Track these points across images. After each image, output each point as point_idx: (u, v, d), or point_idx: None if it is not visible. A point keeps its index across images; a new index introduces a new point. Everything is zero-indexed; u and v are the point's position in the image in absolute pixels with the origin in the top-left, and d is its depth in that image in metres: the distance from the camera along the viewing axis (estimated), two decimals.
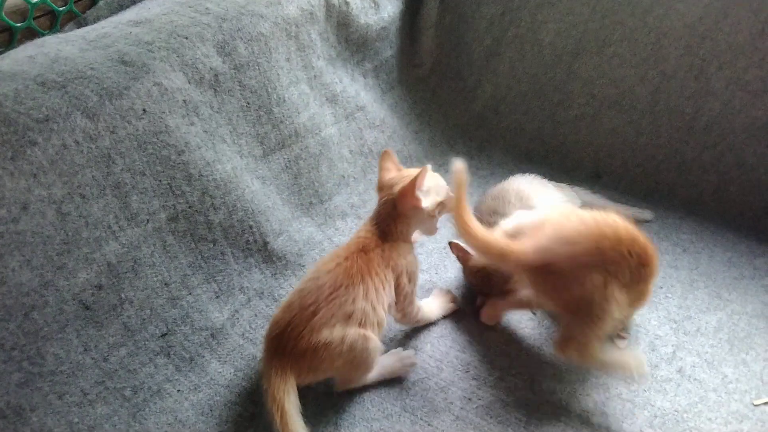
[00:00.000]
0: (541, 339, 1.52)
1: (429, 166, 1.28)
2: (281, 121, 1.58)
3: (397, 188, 1.32)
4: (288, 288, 1.60)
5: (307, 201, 1.71)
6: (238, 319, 1.49)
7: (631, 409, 1.36)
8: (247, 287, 1.52)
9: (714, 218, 1.92)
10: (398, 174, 1.38)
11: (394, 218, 1.33)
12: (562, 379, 1.42)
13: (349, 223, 1.82)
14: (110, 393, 1.25)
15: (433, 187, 1.34)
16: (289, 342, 1.20)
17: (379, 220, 1.35)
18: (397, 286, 1.35)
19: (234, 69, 1.45)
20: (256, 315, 1.52)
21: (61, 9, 1.54)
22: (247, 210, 1.49)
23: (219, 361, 1.42)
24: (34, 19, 1.49)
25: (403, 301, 1.38)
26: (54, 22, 1.53)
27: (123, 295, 1.27)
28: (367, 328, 1.25)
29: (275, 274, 1.59)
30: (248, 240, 1.51)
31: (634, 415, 1.35)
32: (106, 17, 1.51)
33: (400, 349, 1.44)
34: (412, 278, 1.38)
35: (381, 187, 1.38)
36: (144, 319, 1.31)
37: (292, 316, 1.22)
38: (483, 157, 2.18)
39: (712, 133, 1.93)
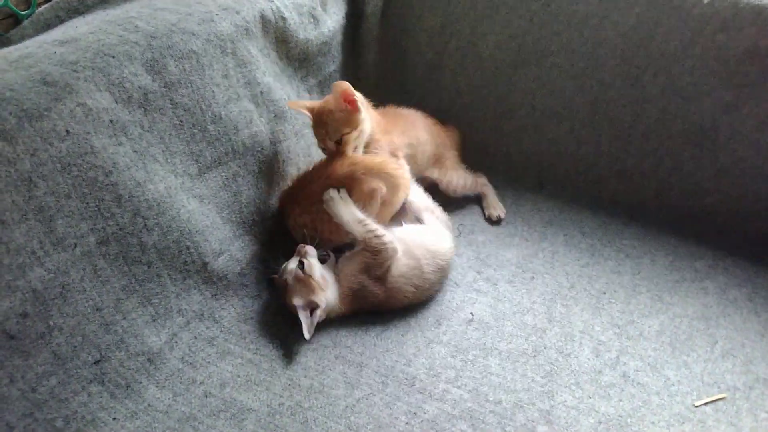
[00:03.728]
0: (486, 350, 1.52)
1: None
2: (217, 139, 1.54)
3: None
4: (230, 309, 1.57)
5: (249, 219, 1.68)
6: (177, 342, 1.45)
7: (576, 416, 1.37)
8: (185, 309, 1.48)
9: (655, 223, 1.96)
10: None
11: None
12: (508, 389, 1.42)
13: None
14: (39, 425, 1.19)
15: None
16: None
17: None
18: None
19: (165, 87, 1.42)
20: (196, 338, 1.48)
21: None
22: (183, 230, 1.45)
23: (157, 386, 1.38)
24: None
25: None
26: None
27: (51, 323, 1.22)
28: None
29: (216, 294, 1.56)
30: (185, 261, 1.47)
31: (579, 423, 1.35)
32: (31, 37, 1.47)
33: None
34: None
35: None
36: (75, 347, 1.26)
37: None
38: None
39: (651, 140, 1.96)
